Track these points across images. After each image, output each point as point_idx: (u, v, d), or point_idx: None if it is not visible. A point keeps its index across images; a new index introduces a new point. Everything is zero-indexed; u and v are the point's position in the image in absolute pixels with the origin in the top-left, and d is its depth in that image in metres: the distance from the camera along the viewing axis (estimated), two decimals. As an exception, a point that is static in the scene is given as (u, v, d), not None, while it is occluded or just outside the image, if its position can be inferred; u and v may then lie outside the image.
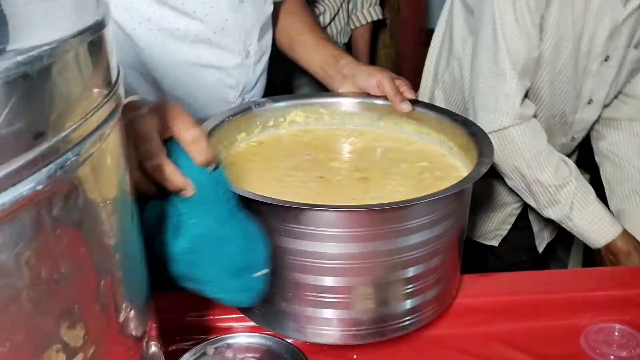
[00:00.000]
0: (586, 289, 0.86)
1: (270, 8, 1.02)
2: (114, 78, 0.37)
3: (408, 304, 0.71)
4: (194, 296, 0.81)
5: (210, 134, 0.81)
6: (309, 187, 0.79)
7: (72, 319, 0.34)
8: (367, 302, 0.69)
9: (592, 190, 1.09)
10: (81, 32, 0.31)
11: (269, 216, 0.65)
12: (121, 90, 0.39)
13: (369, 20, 1.93)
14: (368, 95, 0.96)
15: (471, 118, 1.09)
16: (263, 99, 0.94)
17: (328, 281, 0.67)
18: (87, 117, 0.32)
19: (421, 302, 0.72)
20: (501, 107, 1.04)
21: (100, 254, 0.37)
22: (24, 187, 0.27)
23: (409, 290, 0.70)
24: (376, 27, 2.13)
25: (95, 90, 0.34)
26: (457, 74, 1.18)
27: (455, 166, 0.86)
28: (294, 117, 0.95)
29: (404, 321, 0.72)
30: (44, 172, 0.28)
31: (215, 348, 0.77)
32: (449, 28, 1.19)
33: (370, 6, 1.91)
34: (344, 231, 0.65)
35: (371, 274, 0.68)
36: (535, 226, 1.29)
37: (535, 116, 1.09)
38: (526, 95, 1.08)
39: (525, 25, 1.00)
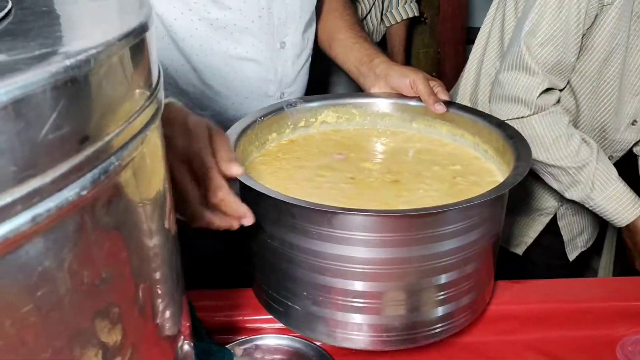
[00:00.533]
0: (623, 298, 0.84)
1: (314, 0, 1.01)
2: (155, 81, 0.37)
3: (440, 310, 0.70)
4: (223, 296, 0.81)
5: (242, 134, 0.81)
6: (340, 189, 0.78)
7: (111, 322, 0.34)
8: (398, 308, 0.68)
9: (614, 170, 1.07)
10: (127, 35, 0.30)
11: (301, 219, 0.65)
12: (161, 93, 0.38)
13: (404, 17, 1.89)
14: (400, 96, 0.95)
15: (489, 104, 1.08)
16: (295, 99, 0.94)
17: (359, 286, 0.66)
18: (131, 120, 0.32)
19: (454, 310, 0.71)
20: (522, 98, 1.02)
21: (140, 257, 0.36)
22: (70, 192, 0.27)
23: (441, 297, 0.69)
24: (414, 26, 2.09)
25: (138, 93, 0.33)
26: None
27: (489, 170, 0.84)
28: (325, 118, 0.94)
29: (436, 328, 0.71)
30: (89, 177, 0.28)
31: (244, 349, 0.77)
32: (499, 26, 1.17)
33: (405, 3, 1.87)
34: (377, 236, 0.64)
35: (403, 279, 0.67)
36: (566, 235, 1.27)
37: (559, 102, 1.07)
38: (550, 90, 1.05)
39: (566, 29, 0.98)
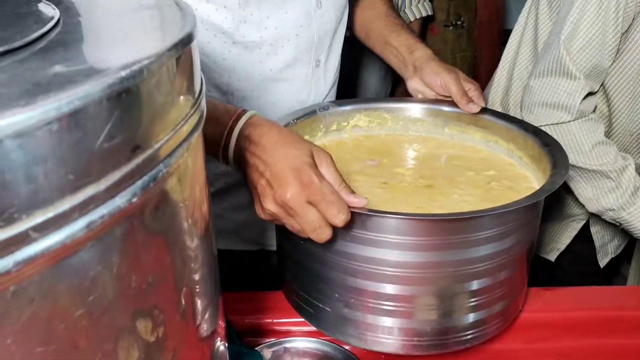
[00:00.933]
0: (657, 306, 0.82)
1: (347, 9, 0.98)
2: (198, 89, 0.38)
3: (472, 317, 0.69)
4: (253, 298, 0.82)
5: None
6: (374, 193, 0.77)
7: (155, 324, 0.34)
8: (429, 313, 0.68)
9: None
10: (175, 45, 0.31)
11: None
12: (204, 101, 0.39)
13: (418, 16, 1.87)
14: (434, 100, 0.94)
15: (523, 110, 1.06)
16: (327, 102, 0.93)
17: (390, 289, 0.66)
18: (177, 128, 0.32)
19: (486, 316, 0.70)
20: (563, 104, 1.01)
21: (183, 260, 0.37)
22: (121, 200, 0.28)
23: (474, 304, 0.68)
24: (451, 30, 2.07)
25: (184, 101, 0.34)
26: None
27: (525, 176, 0.82)
28: (357, 122, 0.94)
29: (467, 335, 0.70)
30: (139, 184, 0.29)
31: (273, 351, 0.78)
32: (532, 29, 1.16)
33: (418, 2, 1.86)
34: (410, 239, 0.63)
35: (435, 284, 0.66)
36: (598, 241, 1.25)
37: (594, 111, 1.06)
38: (589, 95, 1.04)
39: (603, 32, 0.97)
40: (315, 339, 0.78)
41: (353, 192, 0.62)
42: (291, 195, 0.59)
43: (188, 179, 0.37)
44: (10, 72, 0.27)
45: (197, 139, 0.37)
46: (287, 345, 0.78)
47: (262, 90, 0.89)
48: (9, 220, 0.23)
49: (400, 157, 0.90)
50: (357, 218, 0.63)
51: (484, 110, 0.90)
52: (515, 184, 0.80)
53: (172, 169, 0.32)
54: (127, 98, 0.27)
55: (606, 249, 1.26)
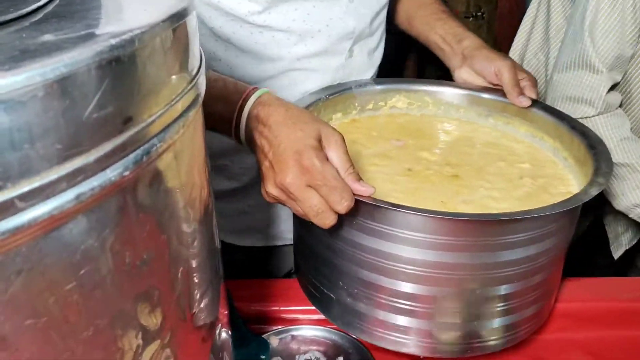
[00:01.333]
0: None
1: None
2: (196, 67, 0.37)
3: (501, 321, 0.65)
4: (260, 286, 0.82)
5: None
6: (396, 182, 0.72)
7: (151, 304, 0.34)
8: (450, 316, 0.64)
9: None
10: (169, 18, 0.30)
11: (356, 213, 0.61)
12: (203, 79, 0.38)
13: None
14: (481, 87, 0.87)
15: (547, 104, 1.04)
16: (365, 80, 0.88)
17: (405, 287, 0.63)
18: (172, 103, 0.32)
19: (513, 322, 0.66)
20: (587, 98, 0.99)
21: (179, 241, 0.37)
22: (113, 172, 0.27)
23: (503, 308, 0.64)
24: (471, 21, 2.06)
25: (179, 77, 0.33)
26: (542, 61, 1.13)
27: (564, 178, 0.76)
28: (396, 103, 0.88)
29: (494, 339, 0.66)
30: (131, 157, 0.28)
31: (280, 339, 0.77)
32: (545, 13, 1.13)
33: None
34: (433, 238, 0.59)
35: (458, 286, 0.62)
36: (611, 232, 1.23)
37: (621, 106, 1.03)
38: (612, 88, 1.02)
39: (622, 20, 0.94)
40: (322, 327, 0.77)
41: (360, 179, 0.60)
42: (291, 180, 0.57)
43: (186, 158, 0.36)
44: (0, 41, 0.27)
45: (195, 116, 0.37)
46: (294, 333, 0.78)
47: (290, 79, 0.86)
48: (-6, 189, 0.23)
49: (430, 138, 0.85)
50: (363, 207, 0.60)
51: (533, 102, 0.84)
52: (548, 183, 0.75)
53: (166, 144, 0.31)
54: (118, 68, 0.26)
55: (620, 241, 1.24)
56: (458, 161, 0.78)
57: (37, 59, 0.23)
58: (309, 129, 0.59)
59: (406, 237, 0.60)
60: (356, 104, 0.86)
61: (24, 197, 0.24)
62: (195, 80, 0.36)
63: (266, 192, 0.61)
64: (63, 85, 0.24)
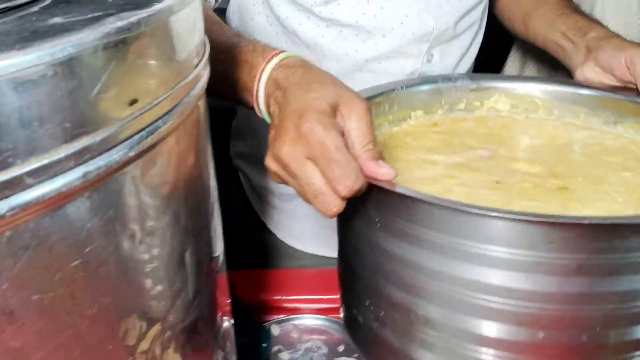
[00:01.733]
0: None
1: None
2: (201, 52, 0.38)
3: None
4: (262, 275, 0.82)
5: (370, 99, 0.64)
6: (478, 195, 0.56)
7: (154, 287, 0.35)
8: None
9: None
10: (176, 2, 0.31)
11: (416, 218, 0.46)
12: (207, 65, 0.39)
13: None
14: (607, 87, 0.71)
15: None
16: (457, 74, 0.76)
17: (489, 328, 0.45)
18: (177, 87, 0.33)
19: None
20: None
21: (182, 223, 0.37)
22: (118, 153, 0.28)
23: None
24: None
25: (185, 61, 0.34)
26: None
27: None
28: (495, 103, 0.73)
29: None
30: (136, 138, 0.29)
31: (281, 328, 0.78)
32: None
33: None
34: (533, 255, 0.42)
35: (571, 327, 0.44)
36: None
37: None
38: None
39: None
40: (323, 317, 0.78)
41: (381, 158, 0.47)
42: (287, 149, 0.46)
43: (190, 142, 0.37)
44: (11, 24, 0.27)
45: (200, 100, 0.37)
46: (296, 322, 0.78)
47: (355, 82, 0.69)
48: (4, 165, 0.23)
49: (526, 148, 0.68)
50: (421, 209, 0.44)
51: None
52: None
53: (171, 127, 0.32)
54: (124, 50, 0.27)
55: None
56: (567, 171, 0.62)
57: (46, 39, 0.24)
58: (325, 91, 0.48)
59: (488, 254, 0.43)
60: (443, 102, 0.71)
61: (32, 173, 0.24)
62: (200, 64, 0.37)
63: (268, 168, 0.50)
64: (71, 66, 0.25)
